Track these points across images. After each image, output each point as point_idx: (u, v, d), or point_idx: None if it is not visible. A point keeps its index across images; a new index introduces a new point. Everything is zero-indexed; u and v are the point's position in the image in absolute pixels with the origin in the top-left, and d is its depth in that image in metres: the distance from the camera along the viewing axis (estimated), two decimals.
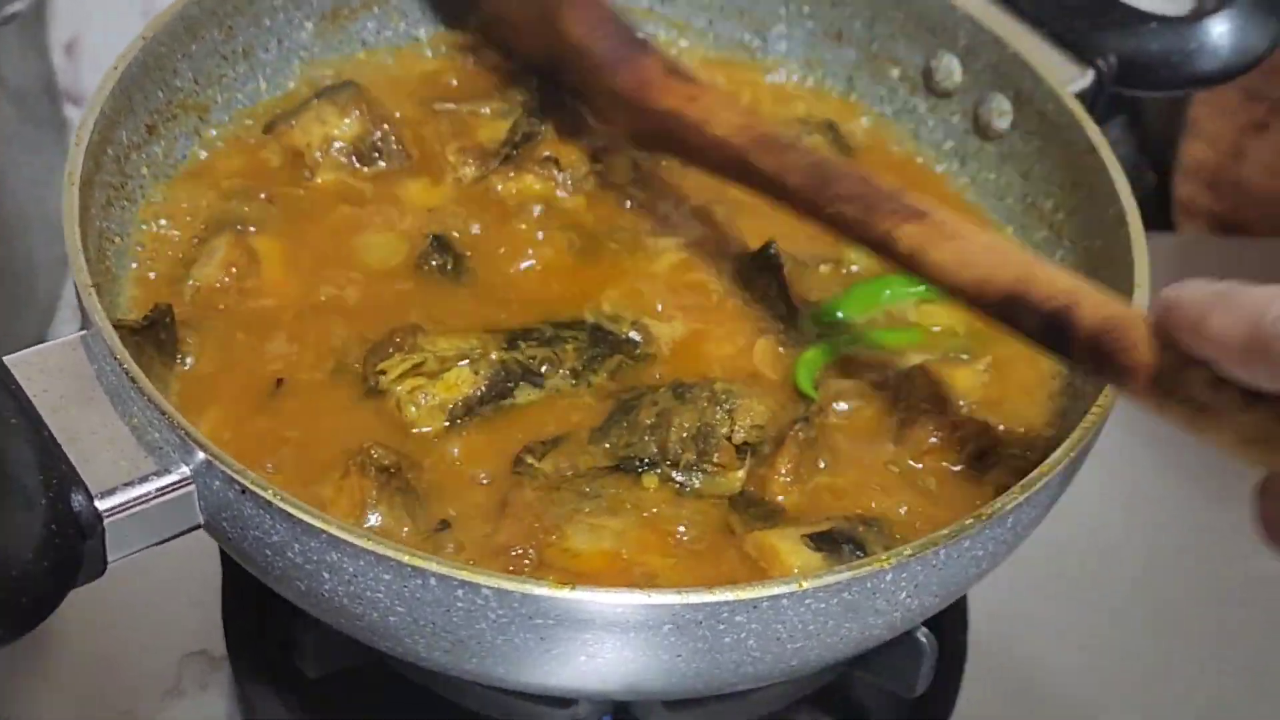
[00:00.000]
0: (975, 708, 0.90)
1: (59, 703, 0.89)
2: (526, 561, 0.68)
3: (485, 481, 0.72)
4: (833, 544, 0.70)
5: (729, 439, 0.74)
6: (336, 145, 0.86)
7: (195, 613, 0.92)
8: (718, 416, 0.74)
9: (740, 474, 0.74)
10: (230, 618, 0.88)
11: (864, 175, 0.75)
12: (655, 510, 0.71)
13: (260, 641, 0.86)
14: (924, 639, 0.77)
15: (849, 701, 0.88)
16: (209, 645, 0.91)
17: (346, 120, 0.86)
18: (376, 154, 0.86)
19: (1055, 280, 0.66)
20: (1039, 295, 0.66)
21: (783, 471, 0.73)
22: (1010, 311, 0.67)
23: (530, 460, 0.73)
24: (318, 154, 0.85)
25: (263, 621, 0.87)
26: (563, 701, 0.78)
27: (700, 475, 0.73)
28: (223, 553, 0.88)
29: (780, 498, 0.73)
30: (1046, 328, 0.65)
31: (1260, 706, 0.94)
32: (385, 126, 0.86)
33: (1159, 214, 1.31)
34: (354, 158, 0.86)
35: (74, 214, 0.72)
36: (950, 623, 0.89)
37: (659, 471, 0.73)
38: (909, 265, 0.71)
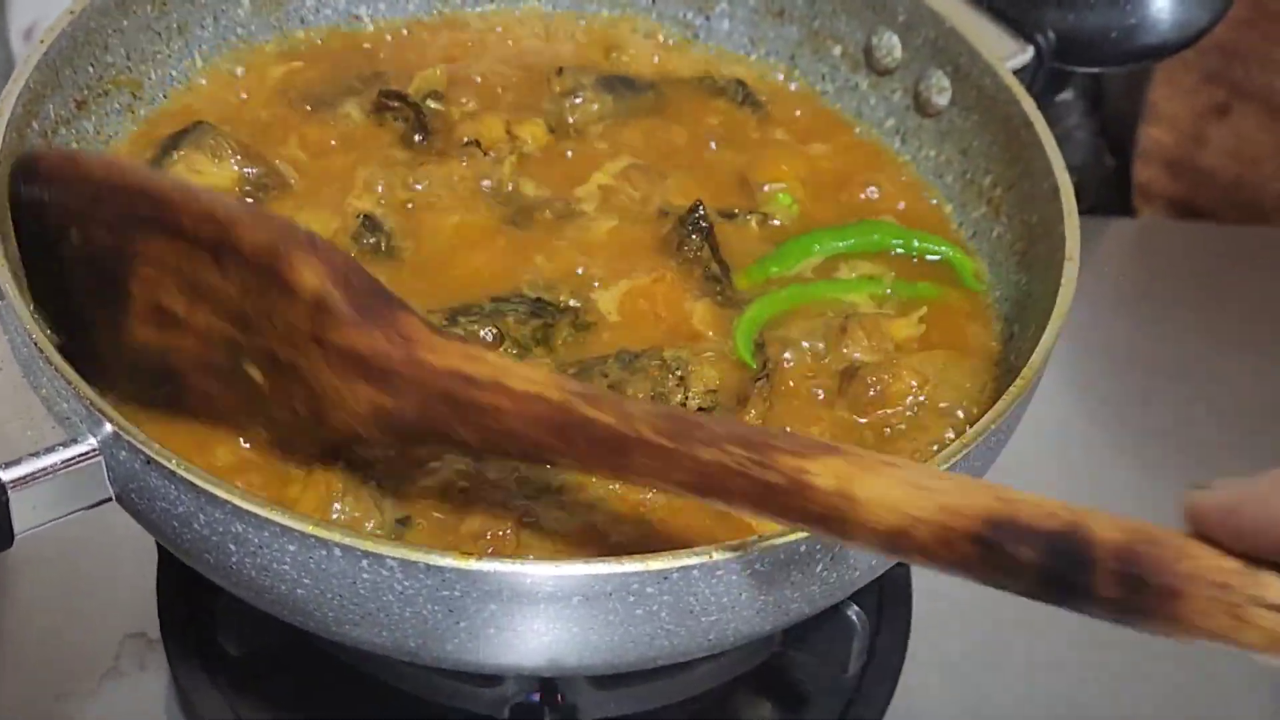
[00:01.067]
0: (918, 689, 0.89)
1: None
2: (506, 542, 0.67)
3: (440, 466, 0.71)
4: None
5: (684, 406, 0.74)
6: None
7: (134, 595, 0.91)
8: (670, 384, 0.73)
9: None
10: (164, 598, 0.87)
11: (727, 419, 0.65)
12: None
13: (192, 622, 0.86)
14: (855, 617, 0.77)
15: (788, 683, 0.87)
16: (147, 627, 0.91)
17: (218, 164, 0.81)
18: (267, 186, 0.82)
19: (1041, 501, 0.52)
20: (1030, 515, 0.52)
21: None
22: (994, 542, 0.52)
23: None
24: None
25: (193, 603, 0.86)
26: (488, 680, 0.77)
27: None
28: None
29: None
30: (1051, 554, 0.51)
31: (1214, 687, 0.94)
32: (262, 165, 0.82)
33: (1119, 199, 1.30)
34: (247, 196, 0.82)
35: None
36: (891, 603, 0.88)
37: None
38: (831, 513, 0.56)
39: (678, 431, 0.58)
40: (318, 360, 0.64)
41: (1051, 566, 0.51)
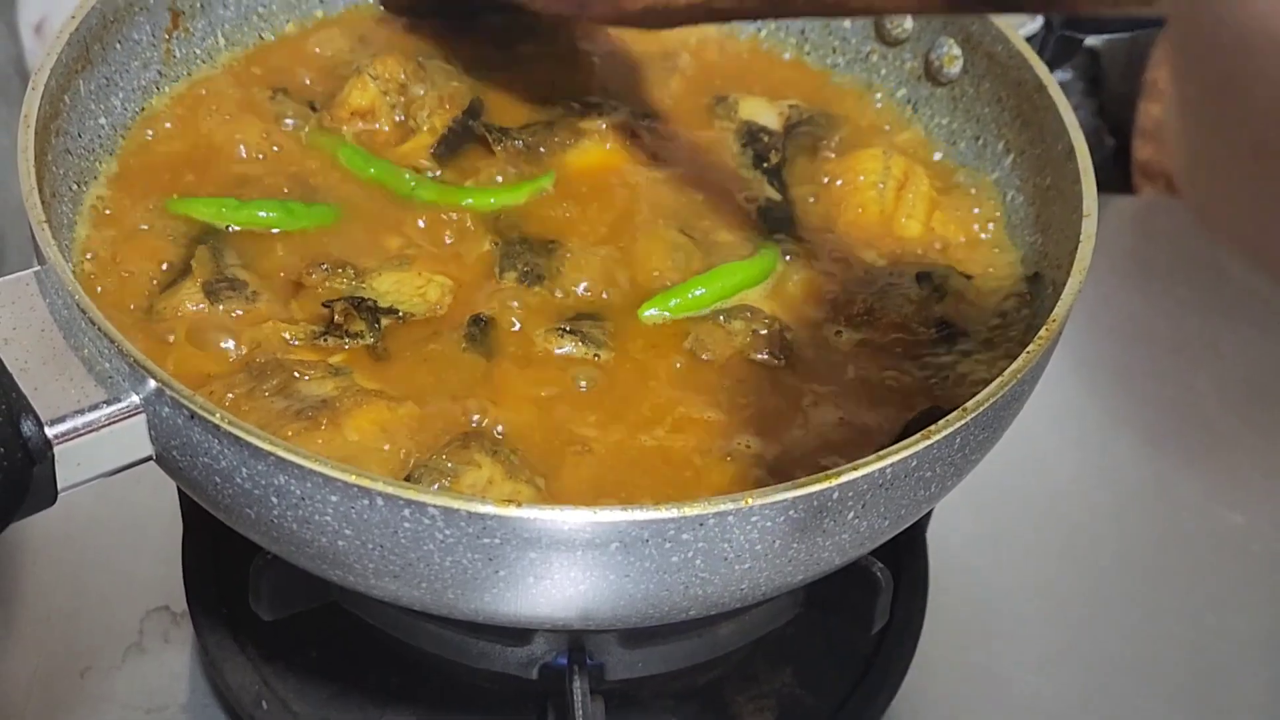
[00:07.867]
0: (938, 653, 0.90)
1: (20, 658, 0.89)
2: None
3: None
4: None
5: None
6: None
7: (157, 570, 0.92)
8: None
9: None
10: (190, 568, 0.88)
11: None
12: None
13: (219, 592, 0.87)
14: (879, 573, 0.78)
15: (810, 646, 0.88)
16: (170, 601, 0.92)
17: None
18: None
19: None
20: None
21: None
22: None
23: None
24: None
25: (220, 573, 0.87)
26: (518, 639, 0.78)
27: None
28: (182, 506, 0.89)
29: None
30: None
31: (1210, 640, 0.95)
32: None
33: (1119, 178, 1.32)
34: None
35: (29, 154, 0.73)
36: (909, 564, 0.90)
37: None
38: None
39: None
40: None
41: None
